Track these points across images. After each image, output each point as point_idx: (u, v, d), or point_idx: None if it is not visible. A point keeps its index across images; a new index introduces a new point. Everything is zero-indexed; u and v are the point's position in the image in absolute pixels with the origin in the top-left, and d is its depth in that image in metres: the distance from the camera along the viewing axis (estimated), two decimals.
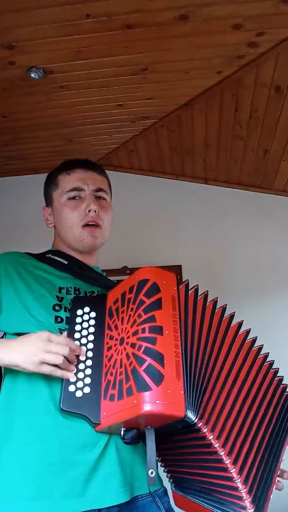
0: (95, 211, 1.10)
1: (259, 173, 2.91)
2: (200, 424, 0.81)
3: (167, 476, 1.01)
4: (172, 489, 1.00)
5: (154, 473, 0.76)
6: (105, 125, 2.59)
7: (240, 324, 1.01)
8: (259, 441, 0.92)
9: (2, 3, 1.65)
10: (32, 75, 2.05)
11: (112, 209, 1.20)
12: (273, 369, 1.04)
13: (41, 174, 1.22)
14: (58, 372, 0.87)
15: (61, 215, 1.13)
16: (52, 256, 1.13)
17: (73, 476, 0.87)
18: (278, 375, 1.05)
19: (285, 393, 1.06)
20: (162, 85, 2.23)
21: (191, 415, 0.80)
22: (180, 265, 2.90)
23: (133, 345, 0.84)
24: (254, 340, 1.03)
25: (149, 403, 0.75)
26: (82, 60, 2.00)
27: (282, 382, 1.06)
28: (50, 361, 0.85)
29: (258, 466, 0.89)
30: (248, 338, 1.02)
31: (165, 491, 1.01)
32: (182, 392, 0.78)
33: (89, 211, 1.10)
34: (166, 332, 0.83)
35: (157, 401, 0.75)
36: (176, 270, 2.86)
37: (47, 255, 1.14)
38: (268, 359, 1.04)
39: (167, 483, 1.02)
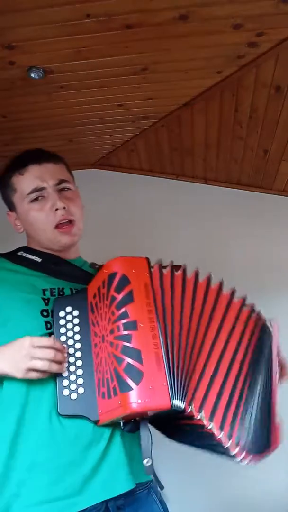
0: (63, 207, 1.03)
1: (259, 173, 2.90)
2: (189, 410, 0.81)
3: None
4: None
5: (150, 462, 0.77)
6: (105, 125, 2.58)
7: (233, 292, 0.98)
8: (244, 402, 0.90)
9: (2, 3, 1.65)
10: (32, 75, 2.04)
11: (80, 196, 1.12)
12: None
13: None
14: (47, 375, 0.86)
15: (28, 220, 1.06)
16: (24, 254, 1.06)
17: (82, 473, 0.87)
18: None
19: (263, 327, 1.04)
20: (162, 85, 2.22)
21: (178, 403, 0.79)
22: (180, 265, 2.89)
23: (111, 344, 0.83)
24: (252, 309, 0.99)
25: (132, 403, 0.76)
26: (82, 60, 1.99)
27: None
28: (37, 368, 0.84)
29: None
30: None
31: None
32: (165, 384, 0.78)
33: (57, 209, 1.03)
34: (141, 325, 0.82)
35: (139, 400, 0.76)
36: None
37: (18, 253, 1.07)
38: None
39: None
